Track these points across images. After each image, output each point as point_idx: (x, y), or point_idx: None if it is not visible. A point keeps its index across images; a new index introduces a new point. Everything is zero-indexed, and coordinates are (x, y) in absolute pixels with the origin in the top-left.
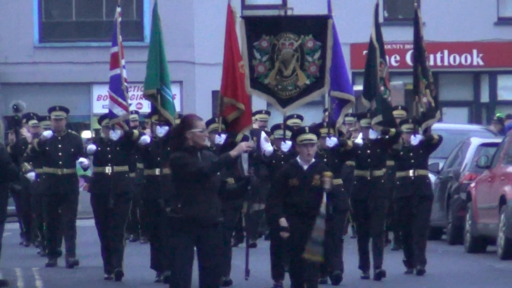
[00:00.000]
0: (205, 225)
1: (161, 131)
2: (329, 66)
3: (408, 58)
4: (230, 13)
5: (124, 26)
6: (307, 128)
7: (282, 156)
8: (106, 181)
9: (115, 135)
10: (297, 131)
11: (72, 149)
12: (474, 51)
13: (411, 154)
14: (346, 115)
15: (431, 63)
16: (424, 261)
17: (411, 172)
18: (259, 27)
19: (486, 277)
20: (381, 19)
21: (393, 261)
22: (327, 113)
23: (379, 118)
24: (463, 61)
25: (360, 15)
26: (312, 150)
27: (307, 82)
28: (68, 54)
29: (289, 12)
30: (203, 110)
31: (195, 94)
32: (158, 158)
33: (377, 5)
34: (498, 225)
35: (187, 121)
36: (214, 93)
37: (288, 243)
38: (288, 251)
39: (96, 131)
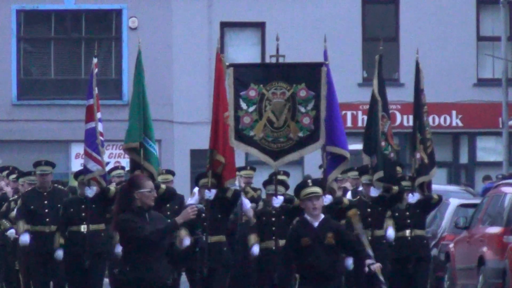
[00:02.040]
0: None
1: None
2: (323, 117)
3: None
4: (219, 61)
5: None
6: (310, 181)
7: (274, 212)
8: (81, 240)
9: (90, 191)
10: (299, 186)
11: (59, 205)
12: (453, 112)
13: (408, 213)
14: (351, 169)
15: (410, 123)
16: None
17: (407, 232)
18: (248, 75)
19: None
20: (360, 80)
21: None
22: (322, 169)
23: (380, 174)
24: (442, 122)
25: (342, 74)
26: (318, 204)
27: (300, 134)
28: (46, 112)
29: (281, 60)
30: (182, 169)
31: (174, 153)
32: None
33: (380, 56)
34: (476, 287)
35: (135, 181)
36: (193, 152)
37: None
38: None
39: (72, 189)
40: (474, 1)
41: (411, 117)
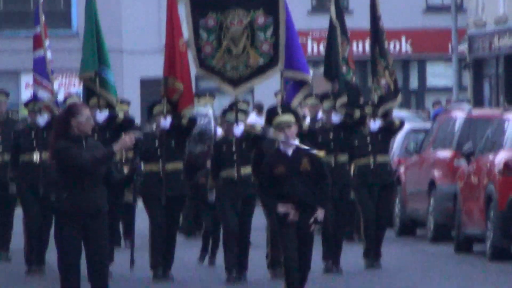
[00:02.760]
0: (90, 215)
1: (101, 117)
2: (283, 43)
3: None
4: None
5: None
6: (279, 109)
7: (234, 140)
8: (34, 169)
9: (42, 120)
10: (270, 114)
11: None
12: (403, 38)
13: (370, 139)
14: (309, 96)
15: (360, 50)
16: (379, 255)
17: (371, 159)
18: (205, 4)
19: (419, 261)
20: (309, 7)
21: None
22: (279, 96)
23: (343, 99)
24: (392, 48)
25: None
26: (291, 132)
27: (260, 62)
28: None
29: None
30: (132, 98)
31: (123, 82)
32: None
33: None
34: (427, 210)
35: (72, 109)
36: (143, 81)
37: (283, 235)
38: (282, 242)
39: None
40: None
41: (361, 43)
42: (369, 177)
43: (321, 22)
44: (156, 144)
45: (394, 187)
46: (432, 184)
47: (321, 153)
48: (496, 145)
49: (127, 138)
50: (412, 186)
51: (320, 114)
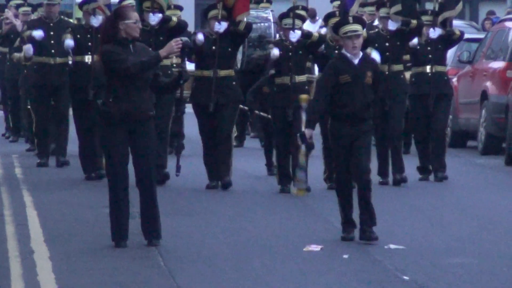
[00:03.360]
0: (137, 120)
1: (154, 18)
2: None
3: None
4: None
5: None
6: (351, 18)
7: (291, 47)
8: (86, 70)
9: (96, 21)
10: (339, 22)
11: None
12: None
13: (429, 48)
14: (366, 4)
15: None
16: (444, 166)
17: (428, 68)
18: None
19: (470, 172)
20: None
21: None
22: (339, 3)
23: (398, 7)
24: None
25: None
26: (358, 42)
27: None
28: None
29: None
30: (185, 3)
31: None
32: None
33: None
34: (479, 121)
35: (120, 12)
36: None
37: (336, 149)
38: (335, 158)
39: (78, 20)
40: None
41: None
42: (425, 86)
43: None
44: (212, 48)
45: (451, 98)
46: (484, 95)
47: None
48: (493, 54)
49: (174, 43)
50: (464, 97)
51: (376, 22)
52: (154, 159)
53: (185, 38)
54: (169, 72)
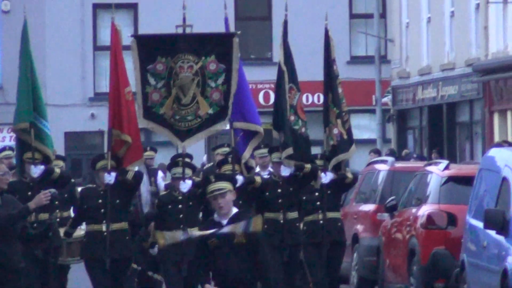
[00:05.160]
0: (5, 271)
1: (36, 170)
2: (233, 92)
3: (261, 98)
4: (115, 32)
5: None
6: (212, 177)
7: (180, 197)
8: None
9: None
10: (204, 182)
11: None
12: None
13: (319, 194)
14: (258, 147)
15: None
16: None
17: (320, 215)
18: (154, 48)
19: None
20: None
21: None
22: (221, 149)
23: (289, 151)
24: (316, 100)
25: None
26: (224, 201)
27: (210, 111)
28: None
29: (188, 30)
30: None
31: None
32: None
33: (285, 22)
34: (351, 264)
35: None
36: (67, 134)
37: None
38: None
39: None
40: None
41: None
42: (318, 234)
43: None
44: (100, 202)
45: (345, 245)
46: (355, 238)
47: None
48: (419, 198)
49: (42, 195)
50: None
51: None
52: None
53: (53, 190)
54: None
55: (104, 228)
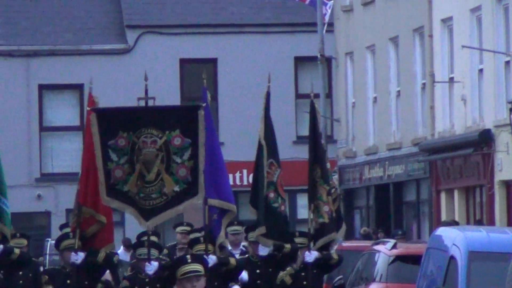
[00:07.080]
0: None
1: None
2: (202, 168)
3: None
4: (92, 103)
5: None
6: (188, 257)
7: (147, 280)
8: None
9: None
10: (177, 261)
11: None
12: None
13: (303, 274)
14: (231, 224)
15: (231, 182)
16: None
17: None
18: (115, 122)
19: None
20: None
21: None
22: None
23: (262, 230)
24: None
25: None
26: (199, 284)
27: (176, 188)
28: None
29: (150, 103)
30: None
31: None
32: None
33: (268, 94)
34: None
35: None
36: (13, 215)
37: None
38: None
39: None
40: (292, 59)
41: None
42: None
43: None
44: (68, 283)
45: None
46: None
47: None
48: (367, 277)
49: None
50: None
51: (242, 245)
52: None
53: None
54: None
55: None
